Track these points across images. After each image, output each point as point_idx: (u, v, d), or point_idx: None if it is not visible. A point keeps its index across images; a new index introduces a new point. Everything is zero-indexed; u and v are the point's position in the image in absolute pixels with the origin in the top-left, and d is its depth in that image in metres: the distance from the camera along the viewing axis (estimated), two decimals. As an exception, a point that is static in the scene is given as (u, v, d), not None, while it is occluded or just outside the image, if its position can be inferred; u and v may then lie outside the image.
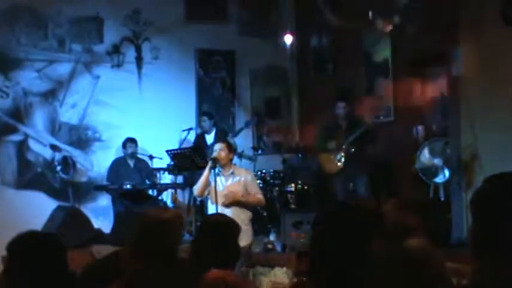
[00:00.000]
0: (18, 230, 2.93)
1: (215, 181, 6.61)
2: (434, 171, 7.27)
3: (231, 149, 6.87)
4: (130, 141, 9.14)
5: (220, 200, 6.55)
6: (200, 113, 9.81)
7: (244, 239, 6.27)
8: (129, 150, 9.10)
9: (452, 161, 7.14)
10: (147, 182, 8.96)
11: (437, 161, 7.25)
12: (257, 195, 6.75)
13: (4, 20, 9.10)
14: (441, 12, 7.31)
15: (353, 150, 8.04)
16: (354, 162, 8.05)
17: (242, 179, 6.72)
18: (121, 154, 9.25)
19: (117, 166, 9.11)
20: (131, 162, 9.15)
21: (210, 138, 9.10)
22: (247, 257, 6.44)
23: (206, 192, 6.73)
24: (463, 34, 7.10)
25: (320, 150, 8.35)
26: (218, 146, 6.80)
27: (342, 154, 8.10)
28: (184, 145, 9.22)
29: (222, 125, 9.74)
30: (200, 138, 9.29)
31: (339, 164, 8.14)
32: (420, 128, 8.17)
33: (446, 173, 7.19)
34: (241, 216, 6.29)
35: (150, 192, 8.96)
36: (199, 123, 9.58)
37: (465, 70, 7.06)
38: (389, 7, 7.19)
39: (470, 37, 7.01)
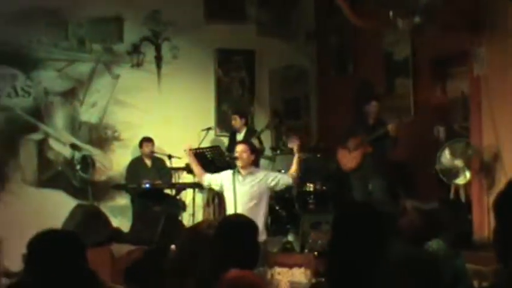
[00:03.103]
0: (38, 228, 2.94)
1: (233, 181, 6.60)
2: (455, 172, 7.20)
3: (254, 150, 6.85)
4: (147, 140, 9.15)
5: (240, 199, 6.55)
6: (232, 112, 9.72)
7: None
8: (146, 150, 9.12)
9: (474, 162, 7.07)
10: (165, 181, 8.97)
11: (458, 162, 7.18)
12: (283, 179, 6.76)
13: (25, 20, 9.16)
14: (463, 11, 7.24)
15: (372, 149, 7.98)
16: (372, 162, 8.00)
17: (259, 180, 6.69)
18: (139, 153, 9.27)
19: (135, 165, 9.13)
20: (149, 162, 9.16)
21: (240, 137, 9.01)
22: (262, 257, 6.43)
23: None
24: (485, 33, 7.03)
25: (340, 145, 8.30)
26: (240, 147, 6.80)
27: (360, 152, 8.05)
28: (203, 145, 9.21)
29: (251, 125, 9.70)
30: (232, 137, 9.23)
31: (355, 161, 8.08)
32: (441, 128, 8.11)
33: (467, 174, 7.12)
34: (257, 220, 6.27)
35: (168, 191, 8.97)
36: (230, 122, 9.48)
37: (487, 69, 6.99)
38: (410, 6, 7.13)
39: (492, 36, 6.94)
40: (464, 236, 6.61)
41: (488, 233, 6.57)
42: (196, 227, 3.85)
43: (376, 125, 8.05)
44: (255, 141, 8.64)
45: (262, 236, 6.52)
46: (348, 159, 8.16)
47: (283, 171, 8.99)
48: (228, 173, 6.81)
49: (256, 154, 7.00)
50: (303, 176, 9.03)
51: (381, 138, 7.92)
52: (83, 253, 2.91)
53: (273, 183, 6.70)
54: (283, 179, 6.78)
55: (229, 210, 6.67)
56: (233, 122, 9.24)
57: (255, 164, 7.19)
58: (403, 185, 8.03)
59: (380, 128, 7.94)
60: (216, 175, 6.92)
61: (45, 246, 2.86)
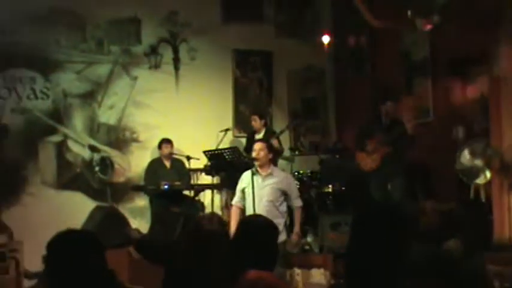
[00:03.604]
0: (57, 229, 2.94)
1: (252, 181, 6.60)
2: (475, 172, 7.14)
3: (271, 149, 6.86)
4: (166, 141, 9.18)
5: (259, 199, 6.56)
6: (250, 112, 9.70)
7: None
8: (165, 151, 9.15)
9: (494, 162, 7.01)
10: (184, 182, 8.99)
11: (478, 162, 7.12)
12: (296, 203, 6.77)
13: (44, 23, 9.22)
14: (482, 10, 7.19)
15: (391, 149, 7.94)
16: (391, 162, 7.96)
17: (279, 180, 6.70)
18: (158, 155, 9.30)
19: (154, 167, 9.16)
20: (167, 163, 9.19)
21: (259, 138, 8.97)
22: (281, 258, 6.43)
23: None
24: (505, 33, 6.97)
25: (358, 148, 8.27)
26: (258, 146, 6.81)
27: (380, 154, 8.01)
28: (221, 146, 9.22)
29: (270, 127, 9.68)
30: (251, 137, 9.21)
31: (375, 163, 8.05)
32: (460, 128, 8.05)
33: (488, 174, 7.06)
34: (276, 221, 6.27)
35: (187, 192, 8.98)
36: (250, 122, 9.45)
37: (506, 70, 6.93)
38: (429, 6, 7.09)
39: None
40: (484, 236, 6.56)
41: (509, 233, 6.52)
42: (197, 224, 3.81)
43: (392, 125, 8.01)
44: (275, 142, 8.64)
45: (282, 237, 6.53)
46: (368, 161, 8.13)
47: (301, 171, 9.01)
48: (246, 175, 6.81)
49: (274, 153, 7.00)
50: (321, 176, 9.05)
51: (399, 138, 7.87)
52: (102, 253, 2.92)
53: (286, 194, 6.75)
54: (294, 202, 6.80)
55: (249, 210, 6.67)
56: (253, 123, 9.21)
57: (273, 163, 7.20)
58: (422, 186, 7.98)
59: (397, 128, 7.90)
60: (237, 190, 6.94)
61: (65, 246, 2.87)
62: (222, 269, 3.31)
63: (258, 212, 6.35)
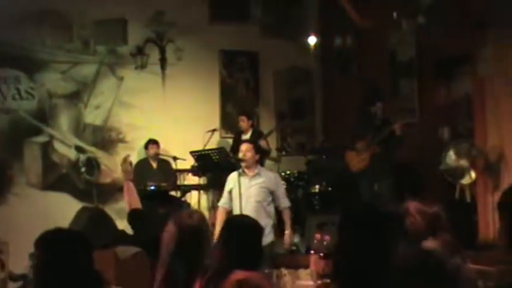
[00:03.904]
0: (43, 231, 2.93)
1: (239, 182, 6.60)
2: (460, 172, 7.19)
3: (258, 150, 6.86)
4: (152, 142, 9.15)
5: (246, 200, 6.55)
6: (237, 113, 9.70)
7: (265, 241, 6.27)
8: (151, 152, 9.12)
9: (478, 162, 7.05)
10: (171, 183, 8.97)
11: (463, 162, 7.17)
12: (283, 203, 6.76)
13: (29, 22, 9.17)
14: (467, 11, 7.23)
15: (379, 150, 7.96)
16: (380, 163, 7.98)
17: (266, 180, 6.70)
18: (144, 155, 9.28)
19: (140, 168, 9.12)
20: (154, 164, 9.17)
21: (246, 138, 8.95)
22: (268, 259, 6.43)
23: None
24: (489, 34, 7.02)
25: (348, 148, 8.29)
26: (244, 147, 6.80)
27: (369, 153, 8.04)
28: (208, 146, 9.21)
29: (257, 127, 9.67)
30: (237, 138, 9.19)
31: (364, 163, 8.08)
32: (446, 128, 8.10)
33: (472, 174, 7.11)
34: (264, 221, 6.28)
35: (173, 193, 8.97)
36: (237, 123, 9.45)
37: (491, 70, 6.98)
38: (414, 6, 7.13)
39: (496, 37, 6.93)
40: (469, 236, 6.60)
41: (493, 233, 6.56)
42: (178, 220, 3.80)
43: (382, 126, 8.04)
44: (263, 143, 8.64)
45: (269, 238, 6.54)
46: (357, 161, 8.16)
47: (288, 172, 9.01)
48: (232, 176, 6.81)
49: (262, 153, 7.00)
50: (308, 177, 9.07)
51: (388, 139, 7.90)
52: (89, 252, 2.91)
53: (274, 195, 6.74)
54: (282, 202, 6.78)
55: (236, 212, 6.66)
56: (241, 123, 9.17)
57: (260, 163, 7.20)
58: (408, 186, 8.01)
59: (386, 129, 7.92)
60: (224, 191, 6.93)
61: (53, 244, 2.86)
62: (202, 263, 3.31)
63: (245, 213, 6.34)
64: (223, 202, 6.86)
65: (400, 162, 8.26)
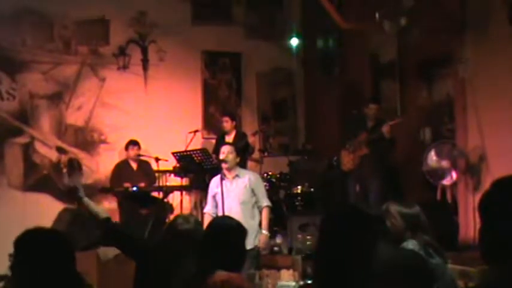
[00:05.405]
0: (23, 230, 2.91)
1: (221, 185, 6.59)
2: (441, 173, 7.24)
3: (239, 153, 6.86)
4: (133, 143, 9.09)
5: (229, 202, 6.54)
6: (220, 114, 9.67)
7: (251, 243, 6.28)
8: (131, 153, 9.07)
9: (459, 163, 7.10)
10: (151, 184, 8.93)
11: (445, 163, 7.21)
12: (263, 202, 6.74)
13: (10, 22, 9.11)
14: (447, 13, 7.28)
15: (369, 151, 7.98)
16: (370, 164, 7.99)
17: (247, 181, 6.70)
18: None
19: (120, 168, 9.08)
20: (134, 165, 9.11)
21: (230, 139, 8.92)
22: (254, 260, 6.43)
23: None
24: (469, 35, 7.07)
25: (342, 146, 8.31)
26: (226, 149, 6.80)
27: (358, 154, 8.06)
28: (191, 147, 9.19)
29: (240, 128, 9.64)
30: (220, 138, 9.15)
31: (354, 163, 8.11)
32: (427, 130, 8.14)
33: (454, 175, 7.16)
34: (249, 223, 6.28)
35: (156, 194, 8.94)
36: (221, 123, 9.40)
37: (471, 71, 7.03)
38: (396, 9, 7.16)
39: (477, 38, 6.98)
40: (450, 236, 6.64)
41: (474, 233, 6.61)
42: (172, 224, 3.85)
43: (375, 127, 8.05)
44: (251, 139, 8.65)
45: (256, 240, 6.53)
46: (347, 160, 8.20)
47: (270, 173, 9.02)
48: (214, 180, 6.81)
49: (244, 151, 6.99)
50: (291, 178, 9.08)
51: (378, 141, 7.91)
52: (71, 252, 2.88)
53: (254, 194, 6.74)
54: (262, 201, 6.76)
55: (219, 213, 6.65)
56: (224, 124, 9.09)
57: (241, 165, 7.20)
58: (390, 187, 8.05)
59: (378, 130, 7.93)
60: (208, 197, 6.92)
61: (32, 243, 2.82)
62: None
63: (232, 215, 6.33)
64: (208, 208, 6.84)
65: (391, 164, 8.27)
